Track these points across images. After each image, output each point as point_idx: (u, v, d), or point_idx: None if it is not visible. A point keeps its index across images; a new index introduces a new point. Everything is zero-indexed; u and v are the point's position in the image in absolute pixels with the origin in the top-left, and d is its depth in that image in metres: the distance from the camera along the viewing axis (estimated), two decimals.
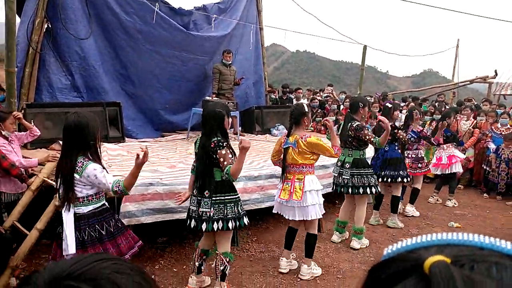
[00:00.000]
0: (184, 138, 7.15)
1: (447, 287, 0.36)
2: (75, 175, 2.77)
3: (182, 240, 4.80)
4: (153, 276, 3.97)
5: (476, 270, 0.38)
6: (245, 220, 3.52)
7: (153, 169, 4.70)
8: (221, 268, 3.52)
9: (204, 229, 3.39)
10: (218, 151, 3.31)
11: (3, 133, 3.95)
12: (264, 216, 5.44)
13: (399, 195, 5.86)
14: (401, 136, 5.45)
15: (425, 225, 6.07)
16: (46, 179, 3.92)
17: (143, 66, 7.02)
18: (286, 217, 4.08)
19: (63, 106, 5.79)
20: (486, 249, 0.40)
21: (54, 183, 3.84)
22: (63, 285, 0.48)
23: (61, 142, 5.27)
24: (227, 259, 3.55)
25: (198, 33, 7.61)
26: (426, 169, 6.33)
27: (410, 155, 6.13)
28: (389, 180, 5.57)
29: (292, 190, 3.93)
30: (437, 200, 7.21)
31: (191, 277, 3.76)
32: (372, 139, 4.68)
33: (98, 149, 2.91)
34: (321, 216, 4.12)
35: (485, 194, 7.86)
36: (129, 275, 0.52)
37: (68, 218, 2.83)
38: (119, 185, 2.82)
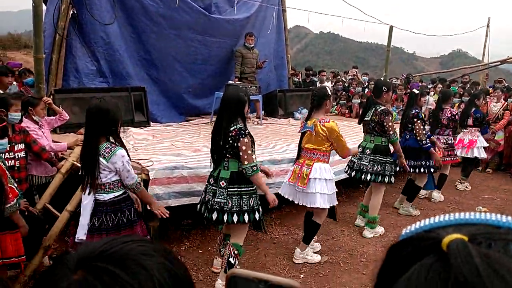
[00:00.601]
0: (208, 122, 7.20)
1: (465, 264, 0.36)
2: (102, 160, 2.80)
3: (206, 222, 4.88)
4: (179, 257, 4.07)
5: (493, 248, 0.38)
6: (257, 215, 3.38)
7: (178, 153, 4.77)
8: (230, 260, 3.39)
9: (214, 219, 3.30)
10: (241, 139, 3.17)
11: (34, 118, 4.07)
12: (287, 200, 5.46)
13: (422, 185, 5.60)
14: (416, 128, 5.14)
15: (451, 210, 5.96)
16: (75, 162, 4.04)
17: (166, 50, 7.05)
18: (292, 200, 4.02)
19: (90, 92, 5.91)
20: (503, 228, 0.41)
21: None
22: (92, 265, 0.50)
23: None
24: (236, 251, 3.42)
25: (220, 16, 7.57)
26: (455, 158, 6.14)
27: (441, 140, 5.94)
28: (411, 170, 5.27)
29: (299, 175, 3.88)
30: (466, 187, 7.03)
31: (216, 259, 3.83)
32: (391, 131, 4.52)
33: (120, 135, 2.94)
34: (328, 207, 3.93)
35: None
36: (154, 256, 0.54)
37: (87, 203, 2.88)
38: (139, 187, 2.98)
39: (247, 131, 3.25)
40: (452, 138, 6.11)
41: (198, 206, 3.52)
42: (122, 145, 2.91)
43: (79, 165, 4.01)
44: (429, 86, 10.84)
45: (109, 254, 0.52)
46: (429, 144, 5.22)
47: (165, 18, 6.90)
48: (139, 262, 0.51)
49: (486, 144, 6.84)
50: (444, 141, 5.96)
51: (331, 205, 3.97)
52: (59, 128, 5.17)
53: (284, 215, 5.32)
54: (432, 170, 5.37)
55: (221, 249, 3.64)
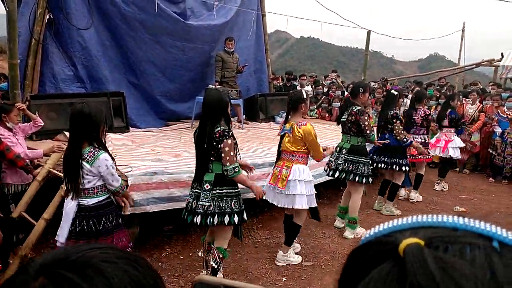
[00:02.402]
0: (189, 127, 7.16)
1: (420, 270, 0.36)
2: (86, 164, 2.77)
3: (187, 228, 4.84)
4: (160, 264, 4.02)
5: (450, 251, 0.38)
6: (244, 216, 3.36)
7: (158, 158, 4.72)
8: (213, 264, 3.40)
9: (198, 223, 3.26)
10: (224, 140, 3.16)
11: (8, 125, 3.97)
12: (269, 204, 5.46)
13: (400, 183, 5.72)
14: (396, 127, 5.22)
15: (430, 210, 6.07)
16: (51, 169, 3.96)
17: (143, 55, 7.04)
18: (271, 202, 4.04)
19: (67, 97, 5.82)
20: (460, 230, 0.41)
21: (59, 173, 3.89)
22: (52, 273, 0.50)
23: (66, 133, 5.34)
24: (221, 255, 3.42)
25: (197, 22, 7.58)
26: (429, 156, 6.26)
27: (417, 139, 6.06)
28: (383, 166, 5.43)
29: (279, 177, 3.91)
30: (444, 188, 7.16)
31: (202, 272, 3.70)
32: (367, 131, 4.59)
33: (103, 139, 2.90)
34: (306, 207, 3.96)
35: (491, 179, 7.83)
36: (115, 263, 0.53)
37: (69, 208, 2.85)
38: (124, 190, 2.97)
39: (231, 132, 3.25)
40: (426, 137, 6.23)
41: (183, 212, 3.47)
42: (105, 149, 2.87)
43: (56, 172, 3.96)
44: (406, 89, 11.03)
45: (70, 261, 0.51)
46: (410, 140, 5.35)
47: (142, 24, 6.88)
48: (99, 269, 0.51)
49: (462, 145, 6.99)
50: (420, 140, 6.08)
51: (311, 206, 3.99)
52: (35, 134, 5.06)
53: (266, 218, 5.32)
54: (407, 168, 5.47)
55: (207, 259, 3.59)
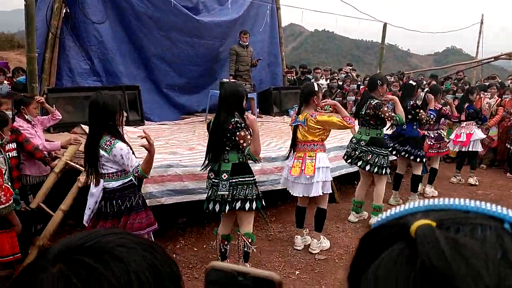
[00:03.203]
0: (203, 121, 7.19)
1: (432, 249, 0.37)
2: (104, 153, 2.86)
3: (201, 220, 4.88)
4: (174, 255, 4.06)
5: (461, 232, 0.39)
6: (263, 202, 3.52)
7: (172, 151, 4.76)
8: (244, 249, 3.59)
9: (226, 211, 3.39)
10: (237, 133, 3.28)
11: (26, 117, 4.05)
12: (282, 197, 5.47)
13: (420, 173, 5.73)
14: (422, 116, 5.29)
15: None
16: (69, 161, 4.02)
17: (154, 51, 7.14)
18: (293, 193, 4.13)
19: (84, 91, 5.89)
20: (471, 212, 0.41)
21: (76, 165, 3.96)
22: (70, 258, 0.50)
23: (82, 126, 5.42)
24: (250, 240, 3.57)
25: (208, 18, 7.60)
26: (445, 150, 6.21)
27: (430, 135, 6.02)
28: (407, 155, 5.44)
29: (303, 167, 3.96)
30: (460, 180, 7.08)
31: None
32: (392, 116, 4.63)
33: (120, 128, 2.95)
34: (330, 191, 4.18)
35: (508, 174, 7.69)
36: (134, 248, 0.53)
37: (94, 191, 2.98)
38: (138, 170, 2.90)
39: (243, 124, 3.32)
40: (441, 131, 6.16)
41: (205, 204, 3.54)
42: (121, 138, 2.92)
43: (73, 164, 4.03)
44: (424, 82, 10.88)
45: (87, 246, 0.51)
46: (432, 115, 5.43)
47: (153, 20, 6.97)
48: (115, 254, 0.51)
49: (483, 136, 6.88)
50: (437, 135, 6.02)
51: (328, 192, 4.16)
52: (53, 127, 5.14)
53: (279, 212, 5.33)
54: (424, 160, 5.51)
55: (224, 250, 3.72)
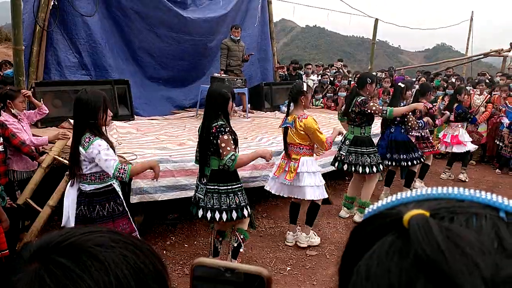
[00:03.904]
0: (194, 116, 7.14)
1: (425, 240, 0.35)
2: (82, 150, 2.77)
3: (192, 217, 4.84)
4: (164, 252, 4.02)
5: (455, 222, 0.37)
6: (245, 211, 3.35)
7: (162, 146, 4.71)
8: (235, 244, 3.52)
9: (199, 216, 3.33)
10: (220, 136, 3.15)
11: (13, 111, 3.97)
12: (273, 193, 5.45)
13: (415, 170, 5.73)
14: (411, 120, 5.11)
15: None
16: (56, 156, 3.95)
17: (141, 45, 7.15)
18: (276, 193, 4.11)
19: (72, 84, 5.80)
20: (466, 201, 0.40)
21: (64, 160, 3.89)
22: (46, 258, 0.48)
23: (71, 120, 5.33)
24: (242, 236, 3.51)
25: (196, 15, 7.58)
26: (432, 149, 6.12)
27: (423, 134, 5.96)
28: (405, 163, 5.33)
29: (286, 169, 3.94)
30: (449, 176, 7.13)
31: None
32: (381, 110, 4.57)
33: (102, 126, 2.84)
34: (318, 198, 4.04)
35: (497, 170, 7.76)
36: (113, 247, 0.51)
37: (70, 192, 2.89)
38: (125, 170, 2.75)
39: (227, 128, 3.22)
40: (428, 131, 6.12)
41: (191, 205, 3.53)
42: (102, 137, 2.82)
43: (61, 159, 3.96)
44: (413, 80, 10.92)
45: (64, 245, 0.49)
46: (422, 122, 5.36)
47: (140, 15, 6.95)
48: (93, 254, 0.49)
49: (467, 139, 6.82)
50: (421, 134, 5.98)
51: (322, 197, 4.05)
52: (40, 122, 5.06)
53: (271, 207, 5.31)
54: (422, 160, 5.48)
55: (217, 246, 3.66)
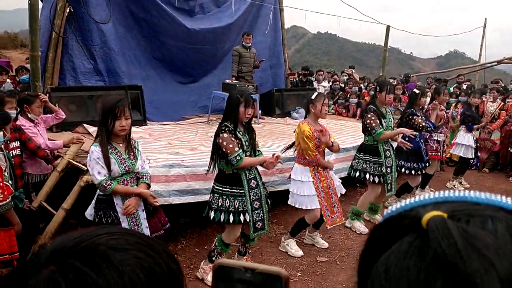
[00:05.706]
0: (205, 121, 7.19)
1: (443, 239, 0.37)
2: None
3: (203, 221, 4.87)
4: (175, 255, 4.04)
5: (471, 224, 0.39)
6: (247, 216, 3.36)
7: (175, 151, 4.75)
8: (211, 251, 3.61)
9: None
10: (220, 135, 3.23)
11: (29, 116, 4.05)
12: (283, 198, 5.45)
13: (432, 173, 5.87)
14: (416, 123, 5.04)
15: None
16: (71, 160, 4.02)
17: (153, 52, 7.31)
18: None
19: (86, 90, 5.90)
20: (482, 204, 0.41)
21: (79, 164, 3.96)
22: (61, 261, 0.48)
23: (85, 125, 5.42)
24: (218, 248, 3.55)
25: (200, 26, 7.64)
26: (438, 154, 5.96)
27: (434, 138, 5.91)
28: (414, 172, 5.24)
29: None
30: (454, 186, 6.96)
31: (233, 258, 3.75)
32: (373, 127, 4.42)
33: (106, 132, 2.82)
34: (298, 207, 4.05)
35: (511, 178, 7.66)
36: (126, 250, 0.51)
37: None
38: (109, 187, 2.79)
39: (228, 129, 3.27)
40: (442, 135, 6.06)
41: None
42: (101, 143, 2.80)
43: (76, 163, 4.02)
44: (426, 86, 10.85)
45: (79, 248, 0.49)
46: (429, 124, 5.33)
47: (148, 24, 7.07)
48: (108, 257, 0.49)
49: (469, 143, 6.69)
50: (438, 138, 5.92)
51: (302, 207, 4.03)
52: (56, 126, 5.15)
53: (281, 213, 5.32)
54: (423, 171, 5.37)
55: (241, 250, 3.74)
